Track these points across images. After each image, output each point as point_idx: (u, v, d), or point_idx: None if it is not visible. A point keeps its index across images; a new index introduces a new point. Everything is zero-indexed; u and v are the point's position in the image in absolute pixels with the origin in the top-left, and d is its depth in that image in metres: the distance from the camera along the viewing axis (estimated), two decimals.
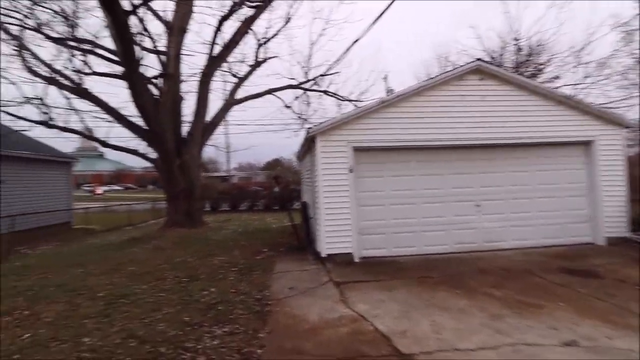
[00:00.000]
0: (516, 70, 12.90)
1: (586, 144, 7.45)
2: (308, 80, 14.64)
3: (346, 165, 6.77)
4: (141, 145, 12.65)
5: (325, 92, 15.05)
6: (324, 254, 6.69)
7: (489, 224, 7.24)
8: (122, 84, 9.78)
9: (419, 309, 4.28)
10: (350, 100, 15.08)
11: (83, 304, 4.82)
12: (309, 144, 7.54)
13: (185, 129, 12.78)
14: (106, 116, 11.67)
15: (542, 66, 13.38)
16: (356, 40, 7.60)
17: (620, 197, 7.36)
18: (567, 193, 7.46)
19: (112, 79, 11.50)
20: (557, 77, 13.31)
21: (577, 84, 13.29)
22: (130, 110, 12.72)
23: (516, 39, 12.86)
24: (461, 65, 7.24)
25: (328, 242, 6.70)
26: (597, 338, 3.45)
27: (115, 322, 4.14)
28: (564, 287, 4.99)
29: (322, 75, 14.44)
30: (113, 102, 11.59)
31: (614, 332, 3.54)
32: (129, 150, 12.34)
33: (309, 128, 6.86)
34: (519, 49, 13.12)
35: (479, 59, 7.03)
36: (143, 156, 12.59)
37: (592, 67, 14.01)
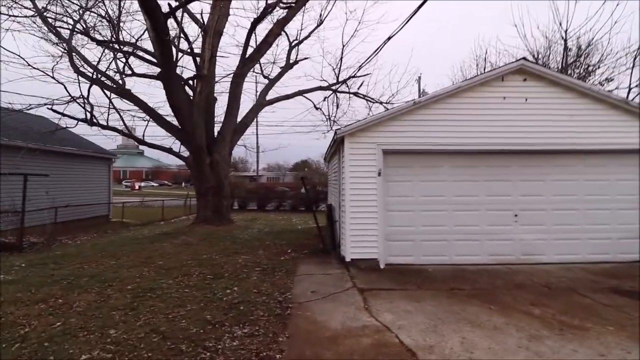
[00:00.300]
0: (564, 71, 12.01)
1: None
2: (339, 82, 14.52)
3: (374, 168, 6.56)
4: (176, 144, 13.17)
5: (355, 94, 14.86)
6: (348, 258, 6.52)
7: (527, 235, 6.74)
8: (160, 85, 10.21)
9: (449, 323, 4.01)
10: (380, 103, 14.80)
11: (113, 295, 4.97)
12: (337, 146, 7.41)
13: (217, 128, 13.13)
14: (143, 115, 12.22)
15: (592, 68, 12.39)
16: (389, 37, 7.33)
17: None
18: (619, 205, 6.79)
19: (150, 80, 12.03)
20: (609, 80, 12.27)
21: (632, 87, 12.16)
22: (166, 109, 13.27)
23: (564, 39, 11.98)
24: (502, 65, 6.81)
25: (353, 246, 6.52)
26: None
27: (141, 315, 4.22)
28: (613, 308, 4.51)
29: (352, 76, 14.27)
30: (151, 102, 12.14)
31: None
32: (163, 148, 12.84)
33: (337, 129, 6.74)
34: (567, 49, 12.22)
35: (523, 58, 6.56)
36: (176, 154, 13.06)
37: None
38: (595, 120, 6.64)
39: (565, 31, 11.95)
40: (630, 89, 11.96)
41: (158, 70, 10.82)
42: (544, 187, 6.82)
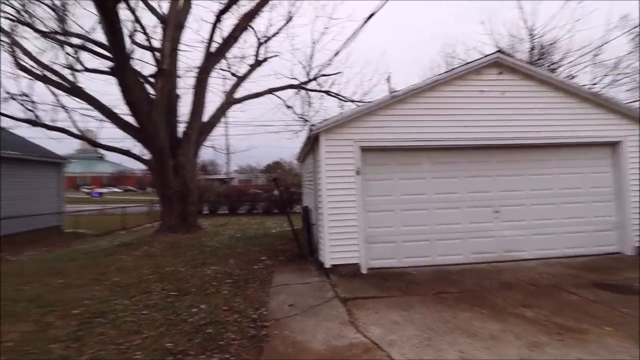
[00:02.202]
0: None
1: (613, 145, 6.85)
2: (310, 80, 14.10)
3: (352, 166, 6.16)
4: (137, 146, 12.10)
5: (327, 92, 14.50)
6: (327, 264, 6.07)
7: (508, 231, 6.62)
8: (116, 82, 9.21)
9: (442, 334, 3.65)
10: (352, 101, 14.52)
11: (54, 323, 4.20)
12: (311, 144, 6.94)
13: (181, 128, 12.22)
14: (96, 114, 11.11)
15: (555, 65, 12.81)
16: (371, 15, 6.91)
17: None
18: (593, 198, 6.84)
19: (107, 76, 10.92)
20: (571, 77, 12.73)
21: (592, 84, 12.70)
22: (123, 108, 12.17)
23: (531, 35, 12.28)
24: (479, 58, 6.64)
25: (332, 251, 6.08)
26: None
27: (87, 347, 3.53)
28: (603, 305, 4.38)
29: (324, 75, 13.92)
30: (105, 100, 11.04)
31: None
32: (121, 151, 11.76)
33: (311, 125, 6.27)
34: (532, 48, 12.54)
35: (498, 51, 6.43)
36: (136, 157, 12.01)
37: (605, 68, 13.44)
38: (568, 113, 6.63)
39: (531, 28, 12.24)
40: (590, 87, 12.48)
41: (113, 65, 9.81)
42: (522, 182, 6.73)
